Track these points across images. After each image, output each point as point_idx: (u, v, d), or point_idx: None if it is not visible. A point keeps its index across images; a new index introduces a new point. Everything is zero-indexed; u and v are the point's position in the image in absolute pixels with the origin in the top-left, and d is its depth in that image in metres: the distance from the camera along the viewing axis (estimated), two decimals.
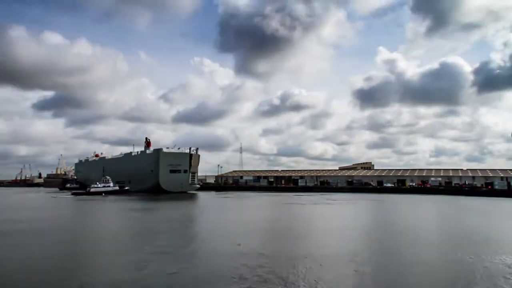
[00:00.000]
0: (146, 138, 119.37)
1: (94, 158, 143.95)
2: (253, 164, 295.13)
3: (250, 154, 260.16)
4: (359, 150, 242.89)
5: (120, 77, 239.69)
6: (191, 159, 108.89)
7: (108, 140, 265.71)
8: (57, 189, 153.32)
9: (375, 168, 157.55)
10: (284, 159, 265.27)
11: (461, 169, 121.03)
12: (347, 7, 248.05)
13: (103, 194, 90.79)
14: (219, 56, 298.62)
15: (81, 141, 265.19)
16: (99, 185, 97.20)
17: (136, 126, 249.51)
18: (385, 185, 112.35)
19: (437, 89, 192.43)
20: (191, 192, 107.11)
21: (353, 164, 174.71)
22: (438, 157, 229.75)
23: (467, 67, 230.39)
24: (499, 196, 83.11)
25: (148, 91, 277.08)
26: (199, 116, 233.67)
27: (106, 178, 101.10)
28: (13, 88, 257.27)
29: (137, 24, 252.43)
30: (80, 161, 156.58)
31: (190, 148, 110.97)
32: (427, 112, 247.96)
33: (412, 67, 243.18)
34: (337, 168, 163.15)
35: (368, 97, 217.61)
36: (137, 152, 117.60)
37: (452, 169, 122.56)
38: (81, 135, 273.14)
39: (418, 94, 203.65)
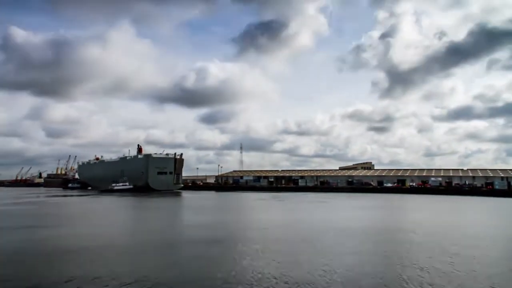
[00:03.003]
0: (138, 145, 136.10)
1: (95, 160, 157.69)
2: (285, 165, 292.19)
3: (287, 155, 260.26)
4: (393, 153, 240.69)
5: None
6: (176, 163, 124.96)
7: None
8: (60, 188, 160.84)
9: (375, 168, 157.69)
10: (313, 160, 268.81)
11: (461, 169, 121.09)
12: None
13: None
14: None
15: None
16: (119, 184, 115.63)
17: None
18: (385, 185, 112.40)
19: None
20: (177, 190, 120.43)
21: (353, 164, 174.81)
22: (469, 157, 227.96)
23: None
24: (499, 196, 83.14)
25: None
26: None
27: (124, 178, 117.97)
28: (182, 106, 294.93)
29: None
30: (83, 163, 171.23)
31: (175, 154, 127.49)
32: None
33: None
34: (337, 168, 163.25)
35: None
36: (131, 156, 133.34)
37: (452, 169, 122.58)
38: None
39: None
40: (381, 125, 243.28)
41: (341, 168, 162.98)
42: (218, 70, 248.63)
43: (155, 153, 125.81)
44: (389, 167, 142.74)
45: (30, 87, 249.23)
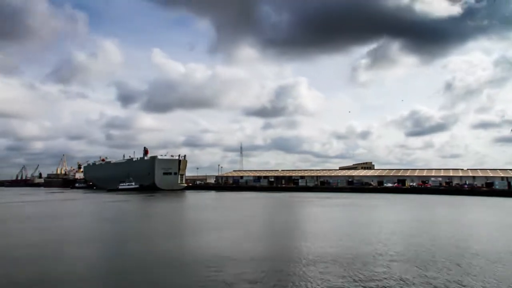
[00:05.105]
0: (145, 148, 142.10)
1: (101, 162, 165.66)
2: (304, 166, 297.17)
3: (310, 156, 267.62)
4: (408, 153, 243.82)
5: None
6: (180, 164, 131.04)
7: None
8: (66, 188, 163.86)
9: (375, 168, 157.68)
10: (331, 160, 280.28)
11: (461, 169, 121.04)
12: None
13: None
14: None
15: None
16: (125, 184, 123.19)
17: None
18: (385, 185, 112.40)
19: None
20: (181, 190, 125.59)
21: (353, 164, 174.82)
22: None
23: None
24: (500, 196, 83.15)
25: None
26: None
27: (130, 178, 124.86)
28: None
29: None
30: (89, 164, 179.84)
31: (179, 155, 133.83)
32: None
33: None
34: (337, 168, 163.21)
35: None
36: (137, 158, 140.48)
37: (452, 169, 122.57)
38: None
39: None
40: (418, 129, 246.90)
41: (341, 168, 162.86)
42: (305, 90, 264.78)
43: (161, 155, 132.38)
44: (393, 167, 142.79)
45: (140, 103, 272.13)
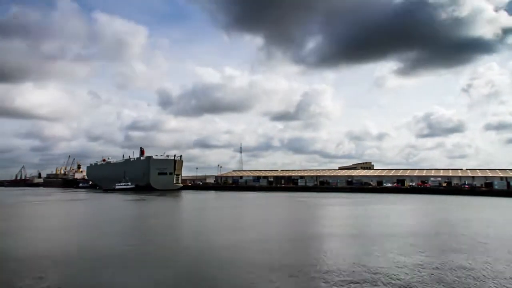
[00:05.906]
0: (141, 148, 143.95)
1: (102, 162, 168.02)
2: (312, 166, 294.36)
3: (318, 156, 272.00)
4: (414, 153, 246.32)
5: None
6: (175, 164, 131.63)
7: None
8: (70, 188, 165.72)
9: (374, 168, 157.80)
10: (335, 160, 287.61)
11: (461, 169, 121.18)
12: None
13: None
14: None
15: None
16: (121, 184, 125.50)
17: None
18: (385, 185, 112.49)
19: None
20: (177, 190, 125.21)
21: (353, 164, 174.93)
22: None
23: None
24: (499, 196, 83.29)
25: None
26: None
27: (126, 179, 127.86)
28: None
29: None
30: (91, 164, 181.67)
31: (174, 155, 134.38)
32: None
33: None
34: (337, 168, 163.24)
35: None
36: (134, 158, 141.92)
37: (451, 169, 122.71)
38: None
39: None
40: (431, 131, 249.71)
41: (341, 168, 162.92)
42: (329, 95, 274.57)
43: (156, 155, 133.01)
44: (399, 167, 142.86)
45: (173, 107, 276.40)
